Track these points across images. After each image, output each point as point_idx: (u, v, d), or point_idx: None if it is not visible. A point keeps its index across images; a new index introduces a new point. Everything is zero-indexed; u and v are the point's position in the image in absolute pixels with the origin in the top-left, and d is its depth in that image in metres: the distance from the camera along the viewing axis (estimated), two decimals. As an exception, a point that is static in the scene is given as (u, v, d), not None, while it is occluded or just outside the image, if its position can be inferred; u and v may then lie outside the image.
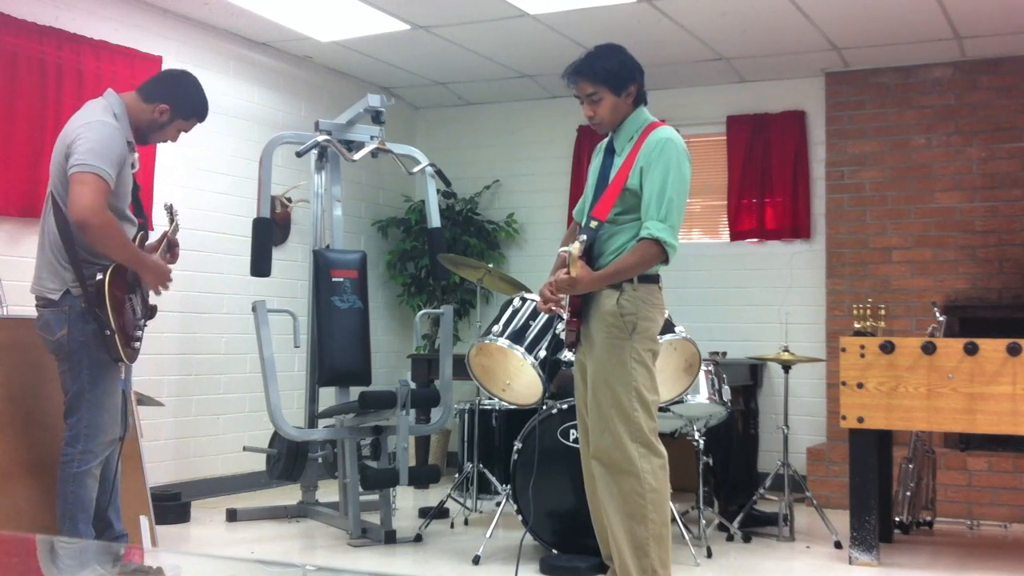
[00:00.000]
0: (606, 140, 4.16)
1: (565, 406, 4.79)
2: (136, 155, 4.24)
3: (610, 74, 3.96)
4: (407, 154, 5.86)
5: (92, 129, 3.99)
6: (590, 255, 3.93)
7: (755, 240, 7.38)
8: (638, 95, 4.03)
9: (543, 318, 4.88)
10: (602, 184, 4.04)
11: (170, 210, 4.38)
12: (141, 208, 4.36)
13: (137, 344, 4.17)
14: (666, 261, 3.91)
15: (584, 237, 3.92)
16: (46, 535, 3.93)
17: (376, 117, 5.49)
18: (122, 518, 4.41)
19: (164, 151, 6.08)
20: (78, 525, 4.12)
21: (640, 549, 3.84)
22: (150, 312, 4.31)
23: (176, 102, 4.20)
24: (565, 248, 4.01)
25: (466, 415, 5.82)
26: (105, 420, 4.12)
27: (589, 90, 3.98)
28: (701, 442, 5.21)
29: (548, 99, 7.98)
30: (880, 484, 5.06)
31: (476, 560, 4.80)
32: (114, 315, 4.02)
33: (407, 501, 6.41)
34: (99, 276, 4.02)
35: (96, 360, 4.06)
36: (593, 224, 3.95)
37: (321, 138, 5.59)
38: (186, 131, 4.31)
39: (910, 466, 5.46)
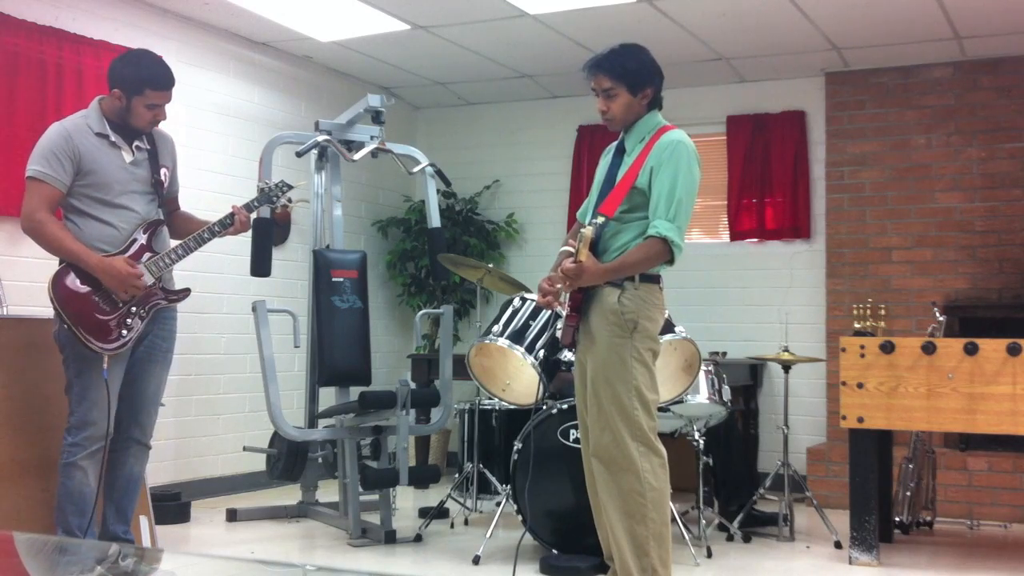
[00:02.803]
0: (616, 141, 4.17)
1: (565, 406, 4.79)
2: (134, 142, 4.32)
3: (629, 73, 3.98)
4: (407, 154, 5.86)
5: (41, 137, 4.23)
6: (594, 251, 3.93)
7: (755, 240, 7.38)
8: (653, 98, 4.06)
9: (543, 318, 4.88)
10: (609, 182, 4.06)
11: (260, 187, 4.62)
12: (162, 201, 4.39)
13: (124, 332, 4.20)
14: (671, 262, 3.91)
15: (596, 223, 3.93)
16: (36, 533, 3.95)
17: (376, 117, 5.49)
18: (130, 521, 4.42)
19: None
20: (68, 518, 4.20)
21: (640, 548, 3.85)
22: (176, 295, 4.39)
23: (121, 83, 4.25)
24: (565, 247, 4.02)
25: (466, 415, 5.82)
26: (93, 414, 4.20)
27: (606, 85, 4.01)
28: (701, 442, 5.21)
29: (548, 99, 7.98)
30: (880, 484, 5.06)
31: (476, 560, 4.80)
32: (65, 308, 4.12)
33: (407, 501, 6.41)
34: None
35: (79, 355, 4.18)
36: (599, 220, 3.96)
37: (321, 138, 5.59)
38: (155, 105, 4.28)
39: (910, 466, 5.46)
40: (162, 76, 4.29)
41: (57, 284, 4.14)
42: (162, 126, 4.51)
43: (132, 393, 4.34)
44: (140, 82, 4.23)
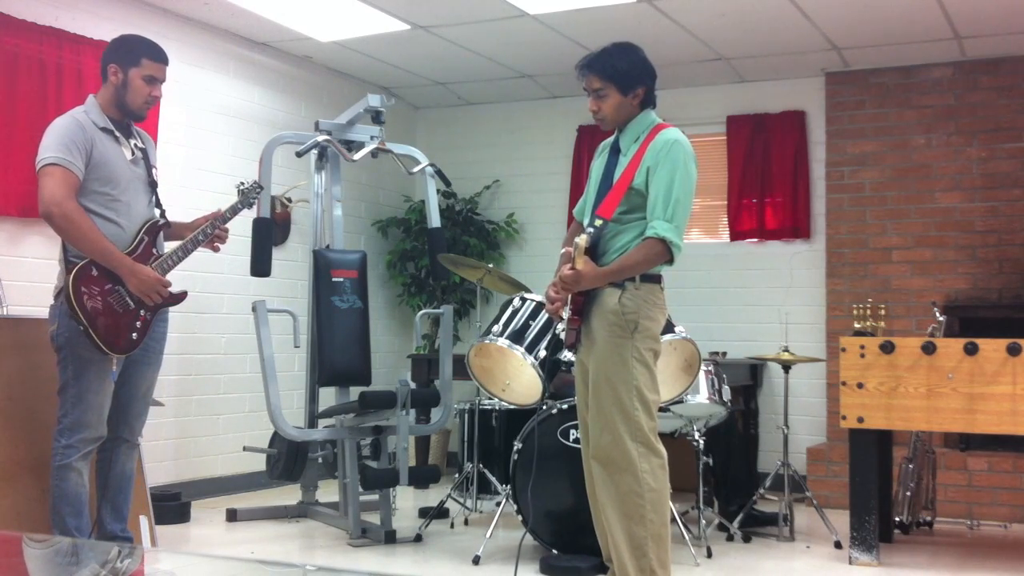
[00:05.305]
0: (611, 139, 4.16)
1: (565, 406, 4.79)
2: (132, 140, 4.31)
3: (619, 73, 3.97)
4: (407, 154, 5.86)
5: (47, 130, 4.17)
6: (594, 253, 3.93)
7: (755, 240, 7.38)
8: (645, 97, 4.04)
9: (543, 318, 4.88)
10: (606, 183, 4.05)
11: (239, 188, 4.57)
12: (158, 201, 4.40)
13: (134, 335, 4.19)
14: (670, 261, 3.91)
15: (592, 230, 3.92)
16: (35, 533, 3.95)
17: (376, 117, 5.50)
18: (127, 519, 4.42)
19: (164, 151, 6.07)
20: (65, 519, 4.18)
21: (638, 549, 3.84)
22: (175, 298, 4.35)
23: (118, 57, 4.26)
24: (566, 249, 4.02)
25: (466, 415, 5.83)
26: (89, 416, 4.17)
27: (596, 85, 4.00)
28: (701, 442, 5.21)
29: (548, 99, 7.98)
30: (880, 484, 5.06)
31: (476, 560, 4.80)
32: (83, 308, 4.07)
33: (407, 501, 6.42)
34: (72, 270, 4.11)
35: (80, 356, 4.13)
36: (598, 222, 3.96)
37: (321, 138, 5.59)
38: (152, 78, 4.28)
39: (910, 466, 5.46)
40: (157, 48, 4.32)
41: (78, 284, 4.06)
42: (162, 125, 4.53)
43: (124, 393, 4.32)
44: (136, 53, 4.25)
